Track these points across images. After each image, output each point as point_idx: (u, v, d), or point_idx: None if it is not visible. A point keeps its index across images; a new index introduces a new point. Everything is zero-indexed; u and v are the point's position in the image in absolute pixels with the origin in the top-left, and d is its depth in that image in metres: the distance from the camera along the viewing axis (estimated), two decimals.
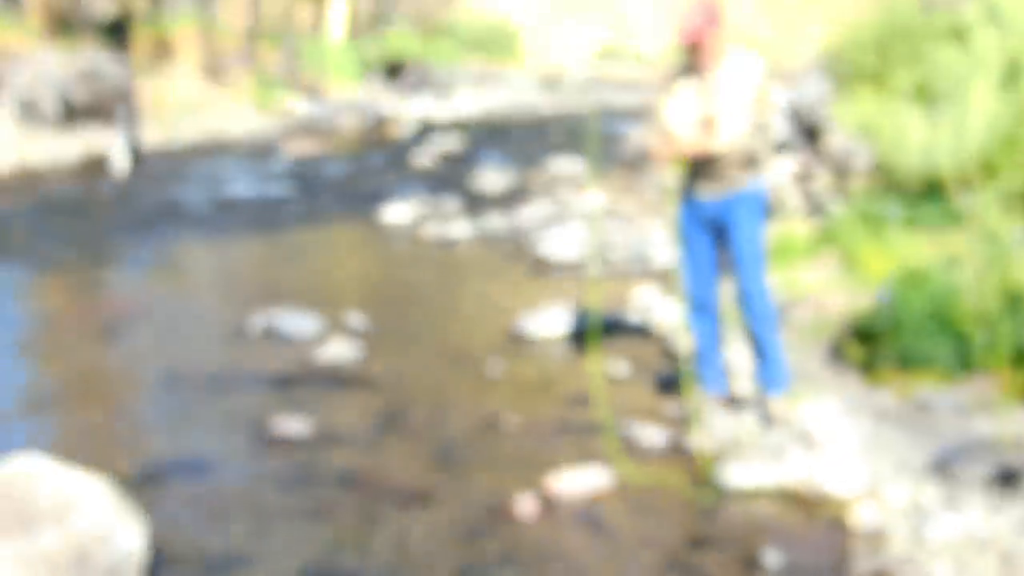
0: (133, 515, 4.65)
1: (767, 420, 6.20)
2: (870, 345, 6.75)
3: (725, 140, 6.08)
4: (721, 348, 6.66)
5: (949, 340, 6.30)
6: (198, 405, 6.99)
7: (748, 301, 6.26)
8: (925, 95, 10.96)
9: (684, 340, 7.79)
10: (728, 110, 6.11)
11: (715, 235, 6.40)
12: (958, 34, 11.36)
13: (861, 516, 5.14)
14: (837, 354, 7.05)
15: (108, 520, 4.51)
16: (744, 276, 6.27)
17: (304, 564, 4.88)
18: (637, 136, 6.63)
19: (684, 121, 6.25)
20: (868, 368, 6.70)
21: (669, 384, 7.06)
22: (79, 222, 13.69)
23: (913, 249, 7.89)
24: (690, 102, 6.25)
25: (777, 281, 8.23)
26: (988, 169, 8.88)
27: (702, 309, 6.55)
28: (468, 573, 4.78)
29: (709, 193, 6.30)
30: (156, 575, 4.73)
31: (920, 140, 9.37)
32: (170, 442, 6.39)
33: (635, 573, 4.76)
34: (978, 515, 4.93)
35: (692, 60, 6.22)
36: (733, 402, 6.63)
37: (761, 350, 6.31)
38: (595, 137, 7.94)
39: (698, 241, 6.44)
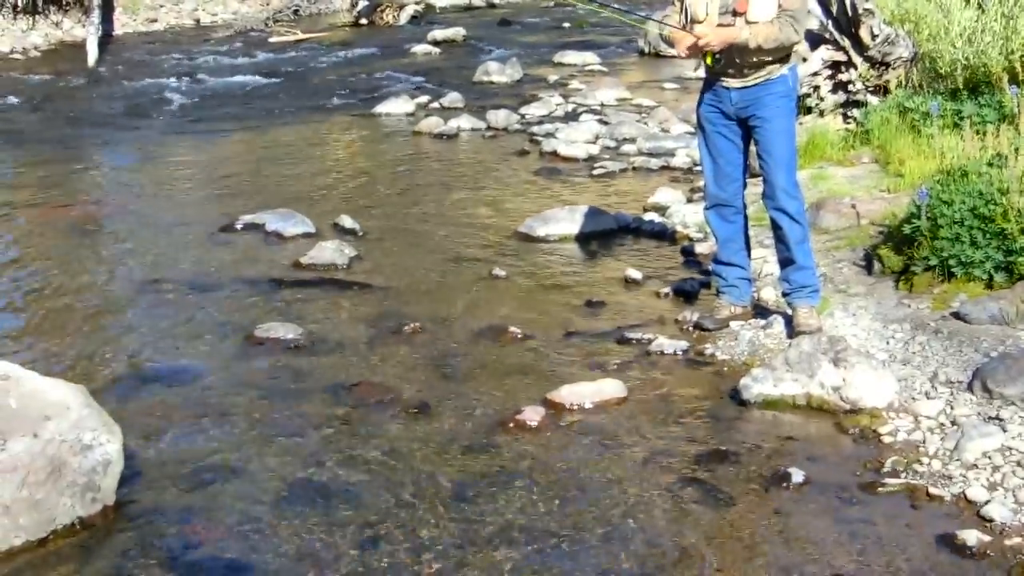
0: (109, 424, 4.67)
1: (794, 329, 6.19)
2: (907, 251, 6.70)
3: (755, 30, 5.96)
4: (745, 252, 6.60)
5: (992, 245, 6.25)
6: (178, 309, 7.00)
7: (777, 200, 6.16)
8: None
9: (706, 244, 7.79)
10: None
11: (740, 128, 6.31)
12: None
13: (893, 429, 5.15)
14: (871, 260, 7.01)
15: (83, 430, 4.53)
16: (774, 173, 6.15)
17: (290, 478, 4.90)
18: (655, 25, 6.43)
19: (707, 6, 6.08)
20: (904, 276, 6.66)
21: (689, 292, 7.05)
22: (51, 115, 13.62)
23: (955, 147, 7.81)
24: None
25: (806, 180, 8.17)
26: None
27: (724, 208, 6.45)
28: (468, 489, 4.80)
29: (736, 81, 6.16)
30: (132, 487, 4.76)
31: (966, 29, 9.23)
32: (149, 348, 6.41)
33: (646, 490, 4.78)
34: (1019, 430, 4.93)
35: None
36: (757, 310, 6.62)
37: (789, 254, 6.24)
38: None
39: (721, 134, 6.32)
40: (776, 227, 6.25)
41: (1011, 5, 9.20)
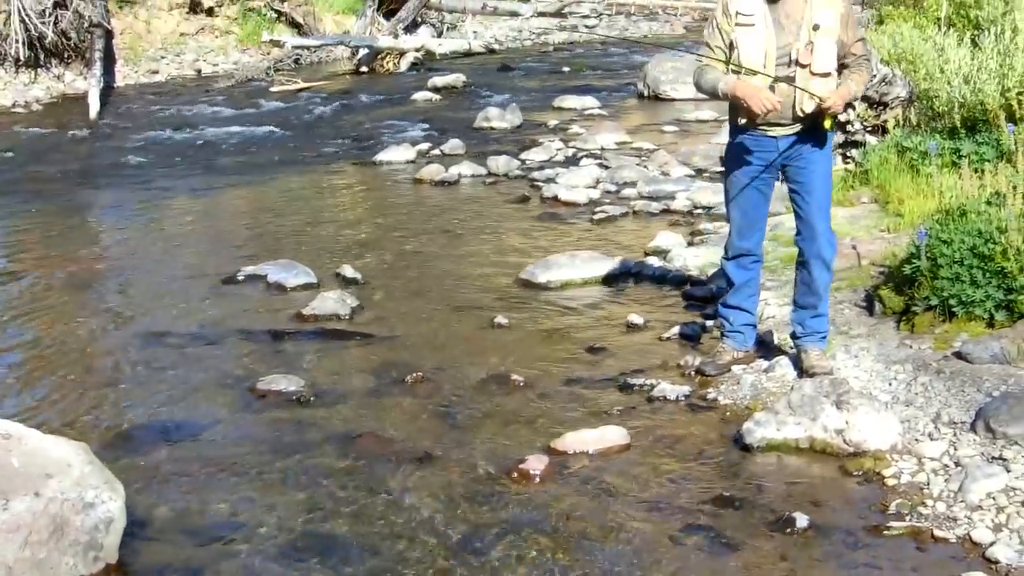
0: (112, 481, 4.67)
1: (800, 372, 6.18)
2: (907, 291, 6.71)
3: (858, 80, 5.90)
4: (756, 298, 6.57)
5: (992, 284, 6.26)
6: (180, 362, 7.01)
7: (819, 246, 6.08)
8: (968, 20, 10.86)
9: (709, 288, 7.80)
10: (822, 37, 5.82)
11: (775, 176, 6.18)
12: None
13: (896, 471, 5.15)
14: (872, 301, 7.02)
15: (85, 487, 4.53)
16: (816, 218, 6.06)
17: (294, 533, 4.90)
18: (714, 79, 6.17)
19: (765, 57, 5.90)
20: (905, 316, 6.67)
21: (691, 336, 7.04)
22: (53, 168, 13.66)
23: (954, 186, 7.84)
24: (768, 31, 5.88)
25: None
26: None
27: (744, 258, 6.35)
28: (472, 540, 4.80)
29: (785, 129, 6.00)
30: (135, 544, 4.75)
31: (962, 68, 9.28)
32: (151, 403, 6.41)
33: (651, 538, 4.78)
34: (1022, 470, 4.92)
35: None
36: (759, 353, 6.60)
37: (814, 300, 6.20)
38: None
39: (756, 187, 6.17)
40: (806, 271, 6.18)
41: (1007, 42, 9.25)
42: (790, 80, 5.85)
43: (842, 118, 9.99)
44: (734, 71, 5.95)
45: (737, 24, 5.91)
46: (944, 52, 9.71)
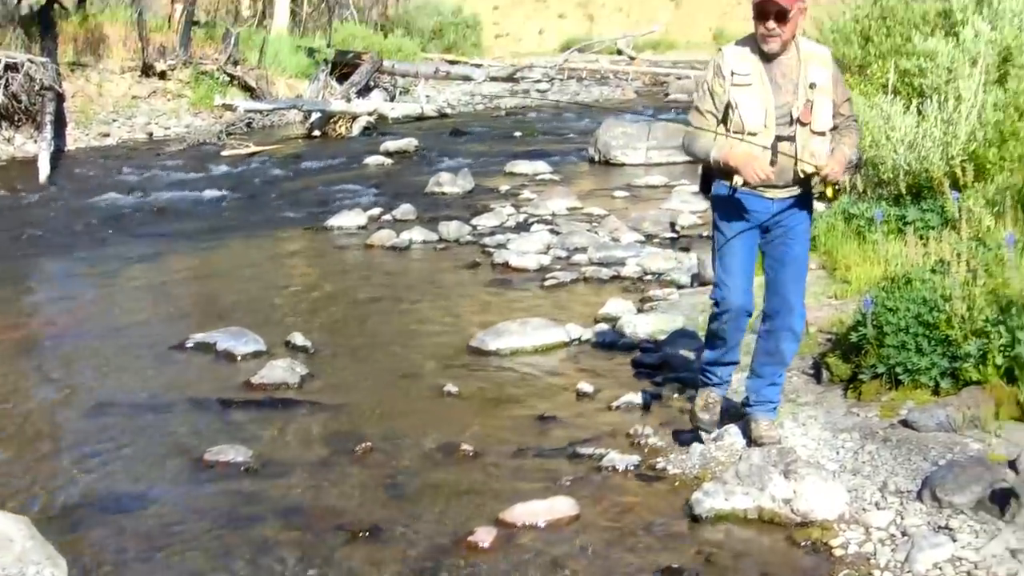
0: (54, 557, 4.61)
1: (748, 441, 6.18)
2: (854, 359, 6.76)
3: (850, 143, 5.88)
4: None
5: (937, 351, 6.31)
6: (127, 432, 6.94)
7: (793, 320, 6.03)
8: (912, 88, 11.01)
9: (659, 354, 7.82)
10: (819, 96, 5.78)
11: (758, 235, 6.07)
12: (947, 23, 11.45)
13: (844, 541, 5.15)
14: (820, 369, 7.07)
15: (27, 563, 4.48)
16: (793, 291, 6.02)
17: None
18: (706, 145, 6.00)
19: (766, 115, 5.81)
20: (852, 384, 6.71)
21: (643, 405, 7.05)
22: (0, 233, 13.56)
23: (899, 253, 7.92)
24: (766, 89, 5.81)
25: (755, 289, 8.24)
26: (979, 167, 8.93)
27: (743, 318, 6.10)
28: None
29: (779, 192, 5.90)
30: None
31: (907, 136, 9.40)
32: (96, 474, 6.33)
33: None
34: (968, 539, 4.95)
35: (765, 35, 5.71)
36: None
37: (775, 369, 6.17)
38: None
39: (746, 242, 6.03)
40: (773, 341, 6.10)
41: (950, 111, 9.39)
42: (791, 139, 5.79)
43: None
44: (735, 136, 5.83)
45: (733, 84, 5.82)
46: (890, 119, 9.83)
